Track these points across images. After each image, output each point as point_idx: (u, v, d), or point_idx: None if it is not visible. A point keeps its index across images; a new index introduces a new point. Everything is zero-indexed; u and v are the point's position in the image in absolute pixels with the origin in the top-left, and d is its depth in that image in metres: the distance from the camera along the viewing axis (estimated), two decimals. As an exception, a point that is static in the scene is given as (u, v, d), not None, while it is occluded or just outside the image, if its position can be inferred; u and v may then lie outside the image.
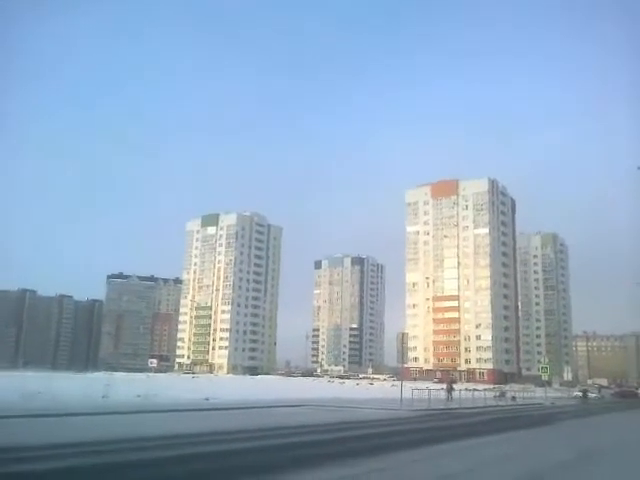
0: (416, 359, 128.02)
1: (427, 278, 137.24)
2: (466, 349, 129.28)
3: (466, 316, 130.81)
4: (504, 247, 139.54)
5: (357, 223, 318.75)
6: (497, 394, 50.21)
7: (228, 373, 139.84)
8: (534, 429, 22.57)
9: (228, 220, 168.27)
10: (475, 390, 47.47)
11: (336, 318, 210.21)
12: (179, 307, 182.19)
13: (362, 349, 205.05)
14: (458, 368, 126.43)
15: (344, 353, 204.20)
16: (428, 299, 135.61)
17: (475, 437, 17.72)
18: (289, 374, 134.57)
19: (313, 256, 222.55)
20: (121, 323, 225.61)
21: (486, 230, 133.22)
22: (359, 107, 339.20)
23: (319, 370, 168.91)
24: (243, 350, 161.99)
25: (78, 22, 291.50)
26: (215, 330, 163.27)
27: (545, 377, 59.94)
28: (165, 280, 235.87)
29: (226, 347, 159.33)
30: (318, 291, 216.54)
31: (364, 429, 18.92)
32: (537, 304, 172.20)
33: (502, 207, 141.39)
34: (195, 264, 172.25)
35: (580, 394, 53.41)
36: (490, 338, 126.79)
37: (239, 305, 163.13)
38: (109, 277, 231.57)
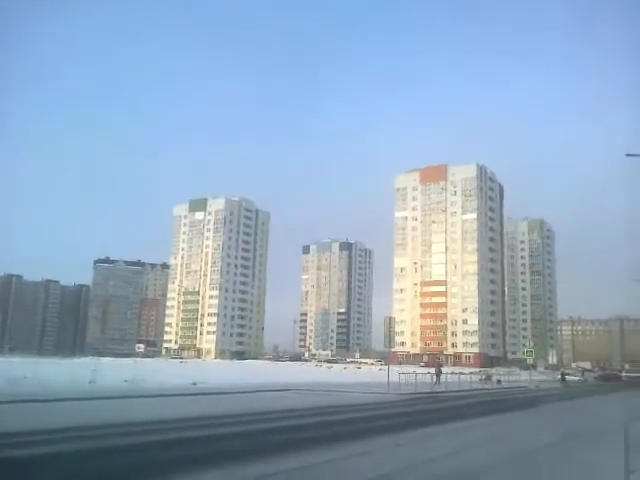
0: (403, 343, 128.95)
1: (415, 263, 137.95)
2: (453, 333, 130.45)
3: (453, 301, 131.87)
4: (491, 232, 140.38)
5: (345, 208, 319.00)
6: (483, 378, 50.76)
7: (216, 358, 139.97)
8: (518, 412, 22.87)
9: (216, 205, 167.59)
10: (461, 374, 47.85)
11: (324, 303, 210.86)
12: (166, 292, 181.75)
13: (350, 334, 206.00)
14: (445, 352, 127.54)
15: (332, 338, 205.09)
16: (416, 284, 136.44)
17: (460, 420, 17.90)
18: (277, 359, 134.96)
19: (301, 241, 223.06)
20: (108, 308, 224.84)
21: (474, 216, 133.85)
22: (349, 94, 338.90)
23: (307, 355, 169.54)
24: (231, 335, 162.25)
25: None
26: (203, 315, 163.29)
27: (530, 361, 60.57)
28: (152, 265, 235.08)
29: (214, 332, 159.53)
30: (306, 276, 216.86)
31: (350, 413, 19.03)
32: (523, 289, 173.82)
33: (490, 193, 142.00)
34: (183, 249, 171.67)
35: (560, 377, 53.88)
36: (477, 322, 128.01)
37: (227, 290, 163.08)
38: (96, 262, 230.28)
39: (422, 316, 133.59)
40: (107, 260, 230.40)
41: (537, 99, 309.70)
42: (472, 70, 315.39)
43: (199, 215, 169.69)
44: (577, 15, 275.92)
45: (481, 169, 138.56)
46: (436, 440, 13.12)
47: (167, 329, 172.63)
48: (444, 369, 47.22)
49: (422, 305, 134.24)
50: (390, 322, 34.08)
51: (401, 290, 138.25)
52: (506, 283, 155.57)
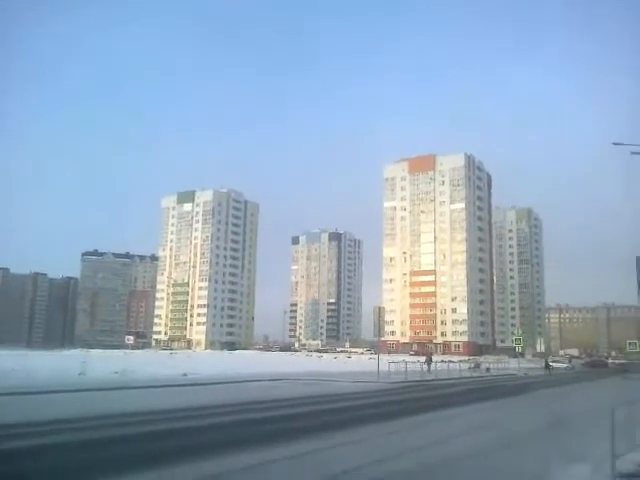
0: (393, 333, 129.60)
1: (404, 253, 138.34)
2: (442, 322, 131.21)
3: (442, 290, 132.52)
4: (480, 222, 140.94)
5: (335, 199, 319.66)
6: (472, 366, 51.06)
7: (206, 349, 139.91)
8: (506, 399, 23.11)
9: (204, 196, 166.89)
10: (451, 362, 48.28)
11: (314, 293, 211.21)
12: (155, 284, 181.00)
13: (339, 323, 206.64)
14: (434, 341, 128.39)
15: (322, 328, 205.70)
16: (405, 274, 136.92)
17: (450, 408, 18.05)
18: (267, 349, 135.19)
19: (291, 232, 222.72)
20: (97, 300, 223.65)
21: (462, 205, 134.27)
22: (338, 86, 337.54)
23: (297, 345, 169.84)
24: (221, 326, 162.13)
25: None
26: (192, 306, 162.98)
27: (518, 349, 61.06)
28: (141, 257, 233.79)
29: (204, 323, 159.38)
30: (296, 267, 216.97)
31: (341, 402, 19.12)
32: (512, 278, 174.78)
33: (478, 182, 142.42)
34: (171, 241, 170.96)
35: (544, 364, 54.19)
36: (466, 311, 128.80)
37: (216, 281, 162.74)
38: (84, 254, 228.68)
39: (411, 305, 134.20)
40: (95, 252, 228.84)
41: (525, 89, 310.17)
42: (460, 61, 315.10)
43: (187, 207, 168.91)
44: (566, 5, 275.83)
45: (469, 159, 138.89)
46: (426, 428, 13.22)
47: (157, 321, 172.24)
48: (434, 358, 47.55)
49: (411, 294, 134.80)
50: (380, 312, 34.19)
51: (390, 280, 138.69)
52: (495, 272, 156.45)
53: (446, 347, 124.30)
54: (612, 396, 22.01)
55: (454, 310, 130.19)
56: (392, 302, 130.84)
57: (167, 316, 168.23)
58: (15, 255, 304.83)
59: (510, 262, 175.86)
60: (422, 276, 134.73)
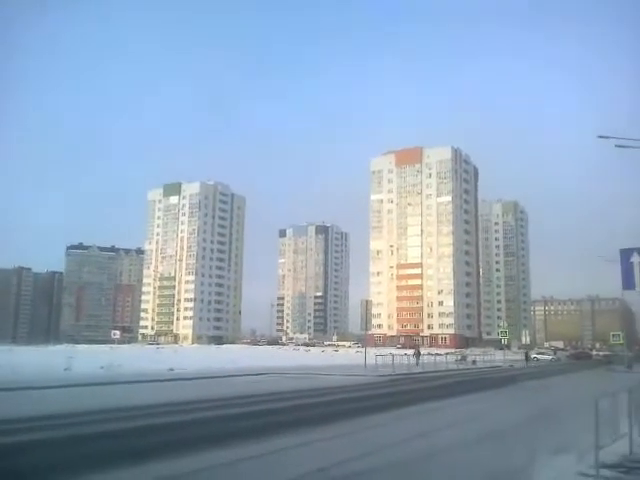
0: (380, 326, 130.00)
1: (391, 246, 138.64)
2: (429, 315, 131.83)
3: (429, 283, 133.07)
4: (466, 215, 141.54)
5: (321, 192, 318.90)
6: (458, 358, 51.31)
7: (193, 343, 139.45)
8: (492, 391, 23.30)
9: (191, 189, 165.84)
10: (437, 355, 48.47)
11: (301, 286, 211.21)
12: (142, 278, 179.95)
13: (327, 317, 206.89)
14: (421, 334, 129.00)
15: (309, 321, 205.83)
16: (392, 267, 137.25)
17: (436, 401, 18.16)
18: (254, 343, 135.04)
19: (277, 225, 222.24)
20: (82, 295, 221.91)
21: (449, 198, 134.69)
22: (326, 78, 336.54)
23: (284, 338, 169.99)
24: (208, 320, 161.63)
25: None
26: (179, 300, 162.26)
27: (504, 341, 61.64)
28: (127, 251, 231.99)
29: (191, 317, 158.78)
30: (283, 260, 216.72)
31: (327, 396, 19.14)
32: (497, 270, 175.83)
33: (465, 175, 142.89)
34: (157, 234, 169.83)
35: (524, 357, 54.36)
36: (452, 304, 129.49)
37: (203, 275, 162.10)
38: (68, 248, 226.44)
39: (398, 298, 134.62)
40: (80, 246, 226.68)
41: (511, 83, 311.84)
42: (447, 53, 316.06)
43: (174, 199, 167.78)
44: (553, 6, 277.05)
45: (456, 151, 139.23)
46: (412, 420, 13.28)
47: (143, 315, 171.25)
48: (421, 351, 47.78)
49: (398, 287, 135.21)
50: (367, 305, 34.32)
51: (377, 273, 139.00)
52: (481, 265, 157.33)
53: (433, 340, 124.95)
54: (596, 387, 22.29)
55: (441, 303, 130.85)
56: (379, 295, 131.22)
57: (154, 310, 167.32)
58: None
59: (496, 255, 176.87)
60: (409, 269, 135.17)
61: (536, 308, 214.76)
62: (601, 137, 18.15)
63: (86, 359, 32.61)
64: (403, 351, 50.29)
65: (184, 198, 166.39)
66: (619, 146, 18.47)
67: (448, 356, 48.39)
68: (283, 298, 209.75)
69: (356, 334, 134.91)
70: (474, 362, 48.53)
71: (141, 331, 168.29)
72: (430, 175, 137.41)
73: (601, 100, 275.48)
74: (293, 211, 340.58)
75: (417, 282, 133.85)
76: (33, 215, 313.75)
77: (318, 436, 10.42)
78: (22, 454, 8.57)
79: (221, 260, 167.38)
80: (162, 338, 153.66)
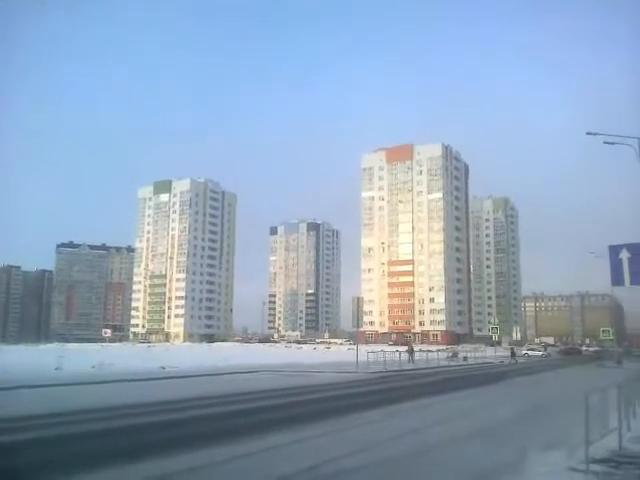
0: (372, 323, 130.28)
1: (382, 243, 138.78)
2: (420, 312, 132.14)
3: (420, 280, 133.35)
4: (457, 211, 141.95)
5: (313, 189, 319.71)
6: (450, 355, 51.58)
7: (184, 341, 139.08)
8: (484, 387, 23.42)
9: (181, 187, 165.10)
10: (429, 351, 48.61)
11: (292, 284, 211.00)
12: (132, 276, 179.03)
13: (318, 314, 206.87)
14: (412, 330, 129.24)
15: (301, 319, 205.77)
16: (383, 264, 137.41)
17: (427, 397, 18.23)
18: (246, 341, 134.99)
19: (269, 222, 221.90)
20: (72, 293, 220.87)
21: (440, 195, 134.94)
22: (316, 75, 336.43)
23: (276, 336, 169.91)
24: (199, 318, 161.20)
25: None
26: (170, 299, 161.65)
27: (495, 337, 61.89)
28: (117, 249, 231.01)
29: (182, 315, 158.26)
30: (274, 257, 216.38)
31: (319, 393, 19.18)
32: (488, 267, 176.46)
33: (456, 172, 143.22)
34: (148, 232, 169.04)
35: (510, 353, 54.39)
36: (443, 301, 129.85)
37: (194, 273, 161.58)
38: (59, 246, 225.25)
39: (390, 295, 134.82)
40: (70, 244, 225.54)
41: (501, 81, 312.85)
42: (438, 51, 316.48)
43: (164, 197, 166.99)
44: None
45: (446, 148, 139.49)
46: (404, 417, 13.33)
47: (134, 313, 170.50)
48: (414, 347, 47.89)
49: (390, 284, 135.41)
50: (358, 302, 34.32)
51: (369, 270, 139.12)
52: (471, 261, 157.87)
53: (424, 336, 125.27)
54: (586, 383, 22.43)
55: (432, 300, 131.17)
56: (371, 292, 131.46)
57: (144, 308, 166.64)
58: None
59: (487, 251, 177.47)
60: (400, 266, 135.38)
61: (527, 304, 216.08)
62: (589, 134, 18.30)
63: (77, 358, 32.44)
64: (395, 348, 50.34)
65: (175, 196, 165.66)
66: (607, 143, 18.62)
67: (439, 353, 48.56)
68: (275, 295, 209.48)
69: (348, 331, 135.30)
70: (465, 359, 48.76)
71: (132, 329, 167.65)
72: (421, 172, 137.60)
73: (590, 98, 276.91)
74: (284, 208, 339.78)
75: (408, 279, 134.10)
76: (23, 213, 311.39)
77: (310, 433, 10.44)
78: (12, 454, 8.51)
79: (212, 258, 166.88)
80: (153, 336, 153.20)
